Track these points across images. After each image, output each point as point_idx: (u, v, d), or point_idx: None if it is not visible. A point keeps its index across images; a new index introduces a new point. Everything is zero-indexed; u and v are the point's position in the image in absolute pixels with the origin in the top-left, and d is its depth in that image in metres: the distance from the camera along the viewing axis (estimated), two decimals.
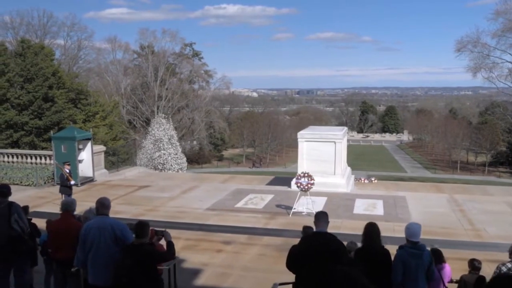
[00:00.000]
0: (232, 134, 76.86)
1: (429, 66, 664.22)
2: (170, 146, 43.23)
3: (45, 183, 20.05)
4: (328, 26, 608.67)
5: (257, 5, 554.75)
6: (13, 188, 19.79)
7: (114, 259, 5.30)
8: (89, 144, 20.69)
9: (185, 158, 47.01)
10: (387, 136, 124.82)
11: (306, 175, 15.36)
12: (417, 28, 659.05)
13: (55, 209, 12.87)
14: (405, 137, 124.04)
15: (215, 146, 71.63)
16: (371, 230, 5.66)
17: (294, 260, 5.33)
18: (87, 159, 20.65)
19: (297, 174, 15.74)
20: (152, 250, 5.36)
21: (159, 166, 38.29)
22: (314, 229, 5.51)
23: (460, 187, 22.74)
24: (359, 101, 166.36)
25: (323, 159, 18.98)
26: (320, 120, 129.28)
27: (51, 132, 21.47)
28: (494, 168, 73.26)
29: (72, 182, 15.25)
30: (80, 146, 20.13)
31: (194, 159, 62.48)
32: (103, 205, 5.71)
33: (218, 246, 11.97)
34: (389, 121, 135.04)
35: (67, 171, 15.22)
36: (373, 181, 23.01)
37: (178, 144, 45.41)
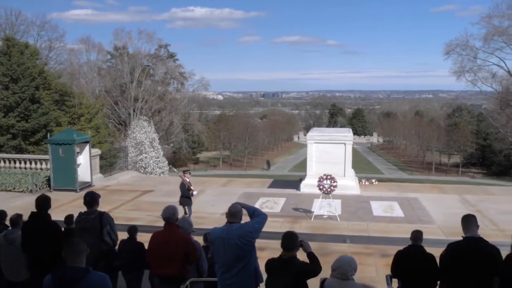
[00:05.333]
0: (208, 136, 76.04)
1: (392, 70, 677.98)
2: (151, 149, 42.29)
3: (40, 188, 18.97)
4: (294, 30, 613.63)
5: (225, 8, 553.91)
6: (7, 194, 18.80)
7: None
8: (87, 147, 19.75)
9: (166, 162, 46.11)
10: (357, 139, 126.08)
11: (329, 177, 14.96)
12: (381, 33, 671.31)
13: (60, 216, 12.08)
14: (375, 139, 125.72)
15: (191, 149, 70.63)
16: None
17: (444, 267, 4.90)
18: (85, 163, 19.68)
19: (319, 176, 15.27)
20: (305, 264, 4.80)
21: (140, 170, 37.25)
22: (463, 234, 5.03)
23: (462, 188, 22.77)
24: (325, 104, 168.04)
25: (333, 161, 18.59)
26: (291, 123, 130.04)
27: (48, 135, 20.32)
28: (466, 169, 75.10)
29: (195, 193, 14.05)
30: (77, 150, 19.15)
31: (171, 162, 61.26)
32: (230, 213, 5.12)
33: None
34: (357, 123, 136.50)
35: (187, 180, 13.86)
36: (374, 183, 22.78)
37: (159, 147, 44.47)
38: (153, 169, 41.45)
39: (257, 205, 16.76)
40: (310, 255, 4.93)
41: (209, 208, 16.16)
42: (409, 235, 13.94)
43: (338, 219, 14.72)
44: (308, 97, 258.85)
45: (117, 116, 54.60)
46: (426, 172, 72.10)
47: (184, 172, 14.35)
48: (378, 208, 16.25)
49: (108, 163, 28.40)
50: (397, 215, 15.49)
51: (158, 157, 43.14)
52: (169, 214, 5.55)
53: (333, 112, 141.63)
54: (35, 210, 5.83)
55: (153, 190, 19.47)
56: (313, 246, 12.22)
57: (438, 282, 5.71)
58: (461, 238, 5.00)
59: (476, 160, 78.19)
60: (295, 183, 21.14)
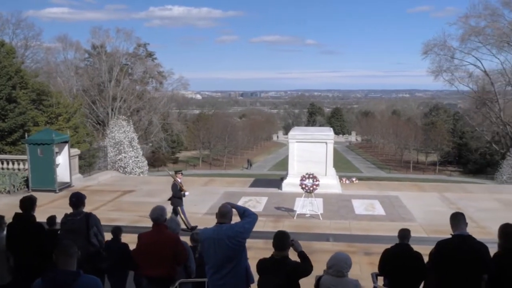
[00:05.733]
0: (187, 136, 75.64)
1: (369, 70, 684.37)
2: (131, 149, 41.86)
3: (18, 189, 18.62)
4: (273, 29, 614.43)
5: (203, 7, 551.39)
6: None
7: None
8: (66, 147, 19.44)
9: (146, 162, 45.69)
10: (335, 138, 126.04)
11: (311, 176, 15.02)
12: (358, 33, 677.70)
13: (39, 217, 11.87)
14: (353, 138, 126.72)
15: (170, 148, 70.19)
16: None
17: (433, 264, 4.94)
18: (64, 163, 19.37)
19: (301, 175, 15.32)
20: (297, 264, 4.78)
21: (120, 170, 36.82)
22: (452, 231, 5.07)
23: (441, 186, 23.13)
24: (303, 103, 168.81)
25: (315, 160, 18.67)
26: (270, 122, 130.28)
27: (26, 135, 19.93)
28: (443, 167, 76.29)
29: (187, 193, 13.86)
30: (56, 150, 18.84)
31: (150, 162, 60.79)
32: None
33: None
34: (335, 122, 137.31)
35: (179, 180, 13.66)
36: (354, 182, 22.95)
37: (138, 147, 44.04)
38: (132, 169, 40.97)
39: (240, 204, 16.74)
40: (301, 254, 4.93)
41: (192, 208, 16.00)
42: (391, 233, 14.11)
43: (321, 218, 14.78)
44: (287, 97, 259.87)
45: (95, 115, 53.94)
46: (404, 171, 73.01)
47: (176, 172, 14.18)
48: (359, 207, 16.36)
49: (87, 163, 28.05)
50: (378, 213, 15.63)
51: (137, 157, 42.65)
52: (157, 215, 5.48)
53: (312, 111, 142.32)
54: (20, 211, 5.69)
55: (134, 190, 19.29)
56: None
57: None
58: (450, 236, 5.04)
59: (452, 158, 79.52)
60: (276, 182, 21.16)
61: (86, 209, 15.40)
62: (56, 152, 18.75)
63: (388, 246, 11.85)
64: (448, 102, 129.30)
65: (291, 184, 18.48)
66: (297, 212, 14.99)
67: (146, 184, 21.30)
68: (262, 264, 4.96)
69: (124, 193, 18.62)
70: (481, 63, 35.75)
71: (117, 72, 55.13)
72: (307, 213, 15.08)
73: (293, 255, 5.09)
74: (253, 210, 15.92)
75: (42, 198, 17.10)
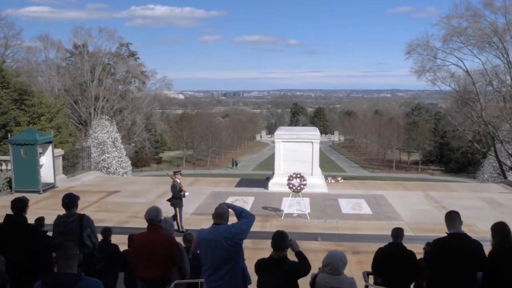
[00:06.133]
0: (170, 136, 75.27)
1: (351, 70, 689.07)
2: (114, 149, 41.50)
3: (0, 190, 18.32)
4: (255, 29, 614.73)
5: (185, 7, 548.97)
6: None
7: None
8: (50, 148, 19.17)
9: (129, 162, 45.33)
10: None
11: (298, 176, 15.05)
12: (341, 33, 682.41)
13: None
14: (336, 138, 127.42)
15: (154, 148, 69.74)
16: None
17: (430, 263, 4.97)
18: (48, 164, 19.11)
19: (289, 175, 15.35)
20: (296, 263, 4.77)
21: (103, 170, 36.48)
22: (447, 230, 5.12)
23: (425, 185, 23.39)
24: (286, 103, 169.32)
25: (301, 159, 18.73)
26: (253, 122, 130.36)
27: (8, 135, 19.62)
28: (426, 166, 77.19)
29: (187, 194, 13.73)
30: (40, 150, 18.57)
31: (133, 162, 60.38)
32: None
33: None
34: (318, 122, 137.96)
35: (178, 181, 13.54)
36: (340, 181, 23.07)
37: (122, 147, 43.67)
38: (116, 169, 40.66)
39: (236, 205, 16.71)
40: (299, 254, 4.92)
41: None
42: (378, 232, 14.26)
43: (308, 217, 14.83)
44: (269, 96, 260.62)
45: (78, 115, 53.29)
46: (387, 170, 73.64)
47: (174, 173, 14.05)
48: (346, 206, 16.46)
49: (70, 164, 27.76)
50: (365, 213, 15.74)
51: (121, 157, 42.36)
52: (152, 216, 5.42)
53: (295, 111, 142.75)
54: (10, 213, 5.58)
55: (119, 191, 19.10)
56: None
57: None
58: (445, 234, 5.09)
59: (434, 157, 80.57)
60: (262, 182, 21.17)
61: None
62: (40, 153, 18.48)
63: (376, 244, 11.95)
64: (429, 102, 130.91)
65: (277, 183, 18.51)
66: (285, 212, 15.02)
67: (131, 185, 21.11)
68: (261, 264, 4.95)
69: (109, 194, 18.44)
70: (463, 63, 36.24)
71: (99, 72, 54.52)
72: (294, 213, 15.12)
73: (290, 255, 5.08)
74: None
75: None
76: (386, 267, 5.98)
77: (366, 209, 16.11)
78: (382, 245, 11.44)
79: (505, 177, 32.68)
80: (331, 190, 19.47)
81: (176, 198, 13.37)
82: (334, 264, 4.74)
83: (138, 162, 64.30)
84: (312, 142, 18.89)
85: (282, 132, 19.80)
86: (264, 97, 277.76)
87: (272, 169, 19.97)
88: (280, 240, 4.83)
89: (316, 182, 18.62)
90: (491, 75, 35.09)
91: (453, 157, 72.50)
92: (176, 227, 12.75)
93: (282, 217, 14.84)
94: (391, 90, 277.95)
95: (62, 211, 6.10)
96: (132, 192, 18.75)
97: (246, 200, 17.21)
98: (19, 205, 5.56)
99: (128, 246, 7.40)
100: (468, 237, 4.99)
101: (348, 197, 17.91)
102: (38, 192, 17.95)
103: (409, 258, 5.97)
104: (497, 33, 33.62)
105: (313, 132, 19.87)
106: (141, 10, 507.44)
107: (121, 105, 55.43)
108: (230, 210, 5.22)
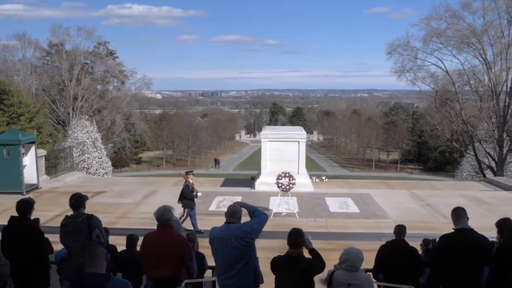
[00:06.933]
0: (150, 136, 74.63)
1: (328, 69, 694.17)
2: (94, 150, 41.01)
3: None
4: (234, 29, 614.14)
5: (163, 6, 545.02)
6: None
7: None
8: (33, 148, 18.86)
9: (110, 162, 44.84)
10: None
11: (287, 175, 15.11)
12: (318, 33, 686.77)
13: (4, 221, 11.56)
14: (315, 137, 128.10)
15: (134, 148, 69.13)
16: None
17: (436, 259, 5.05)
18: (31, 165, 18.77)
19: (277, 174, 15.39)
20: (312, 261, 4.79)
21: (83, 171, 36.03)
22: (454, 226, 5.20)
23: (409, 183, 23.70)
24: (264, 102, 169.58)
25: (287, 159, 18.78)
26: (232, 121, 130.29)
27: None
28: (404, 165, 78.22)
29: (199, 194, 13.55)
30: (23, 151, 18.25)
31: (112, 163, 59.73)
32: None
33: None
34: (297, 122, 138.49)
35: (191, 181, 13.33)
36: (324, 180, 23.22)
37: (102, 147, 43.18)
38: (96, 170, 40.22)
39: (213, 204, 16.70)
40: (312, 251, 4.96)
41: None
42: (367, 230, 14.39)
43: (297, 216, 14.90)
44: (248, 96, 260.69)
45: (56, 115, 52.45)
46: (367, 169, 74.38)
47: (187, 173, 13.89)
48: (333, 205, 16.56)
49: (52, 164, 27.30)
50: (352, 211, 15.87)
51: (101, 158, 41.92)
52: (162, 215, 5.39)
53: (274, 110, 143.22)
54: (15, 214, 5.47)
55: (105, 191, 18.89)
56: (277, 243, 12.42)
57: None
58: (452, 231, 5.18)
59: (413, 156, 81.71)
60: (247, 182, 21.20)
61: (57, 211, 15.00)
62: (23, 153, 18.17)
63: (366, 242, 12.11)
64: (405, 102, 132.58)
65: (264, 183, 18.56)
66: (273, 211, 15.04)
67: (115, 185, 20.91)
68: (277, 262, 4.97)
69: (95, 194, 18.21)
70: (443, 63, 36.83)
71: (78, 71, 53.75)
72: (283, 212, 15.18)
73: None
74: None
75: (8, 200, 16.55)
76: (389, 264, 6.06)
77: (353, 208, 16.25)
78: (372, 243, 11.62)
79: (484, 176, 33.35)
80: (317, 189, 19.57)
81: (188, 199, 13.24)
82: (352, 261, 4.79)
83: (118, 162, 63.66)
84: (298, 142, 18.97)
85: (268, 132, 19.86)
86: (242, 97, 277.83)
87: (254, 168, 20.03)
88: (297, 237, 4.86)
89: (303, 181, 18.69)
90: (469, 75, 35.78)
91: (431, 156, 73.61)
92: (191, 228, 12.71)
93: (271, 216, 14.83)
94: (368, 90, 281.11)
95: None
96: (117, 193, 18.56)
97: (233, 200, 17.13)
98: (25, 207, 5.47)
99: (127, 246, 7.34)
100: (475, 232, 5.09)
101: (335, 196, 18.03)
102: (21, 193, 17.60)
103: (412, 255, 6.06)
104: (475, 34, 34.28)
105: (299, 132, 19.96)
106: (118, 9, 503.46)
107: (100, 105, 54.76)
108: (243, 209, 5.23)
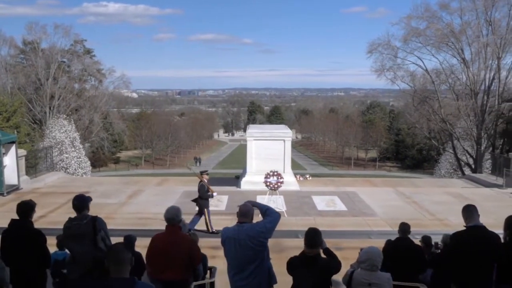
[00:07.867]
0: (128, 135, 73.81)
1: (305, 68, 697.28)
2: (73, 149, 40.38)
3: None
4: (210, 28, 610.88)
5: (139, 4, 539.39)
6: None
7: None
8: (13, 148, 18.42)
9: (89, 162, 44.22)
10: None
11: (275, 173, 15.08)
12: (295, 32, 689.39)
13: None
14: (293, 136, 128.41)
15: (112, 148, 68.23)
16: None
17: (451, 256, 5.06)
18: (11, 165, 18.33)
19: (266, 173, 15.34)
20: (329, 261, 4.73)
21: (61, 171, 35.40)
22: (465, 223, 5.20)
23: (393, 181, 23.94)
24: (242, 101, 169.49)
25: (273, 157, 18.79)
26: (210, 120, 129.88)
27: None
28: (383, 163, 79.03)
29: (215, 194, 13.30)
30: (3, 151, 17.79)
31: (91, 162, 58.91)
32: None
33: (211, 252, 11.17)
34: (275, 121, 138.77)
35: (206, 181, 13.06)
36: (308, 178, 23.26)
37: (81, 146, 42.53)
38: (75, 169, 39.60)
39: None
40: (327, 251, 4.91)
41: (153, 208, 15.68)
42: (356, 228, 14.43)
43: (286, 215, 14.85)
44: (225, 95, 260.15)
45: (32, 114, 51.41)
46: (346, 167, 74.93)
47: (201, 173, 13.64)
48: (320, 203, 16.60)
49: (31, 165, 26.68)
50: (340, 209, 15.92)
51: (80, 157, 41.33)
52: (172, 215, 5.27)
53: (252, 109, 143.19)
54: (16, 217, 5.27)
55: (88, 192, 18.53)
56: (269, 242, 12.31)
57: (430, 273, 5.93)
58: (464, 228, 5.18)
59: (391, 154, 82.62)
60: (231, 181, 21.11)
61: (41, 212, 14.66)
62: (3, 153, 17.73)
63: (356, 240, 12.14)
64: (382, 101, 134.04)
65: (250, 182, 18.51)
66: None
67: (99, 185, 20.60)
68: (293, 263, 4.90)
69: None
70: (423, 62, 37.26)
71: (54, 70, 52.75)
72: None
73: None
74: (216, 209, 15.81)
75: None
76: (395, 261, 6.06)
77: (340, 206, 16.30)
78: (362, 241, 11.64)
79: (463, 173, 33.86)
80: (302, 187, 19.60)
81: (203, 199, 13.05)
82: (372, 260, 4.76)
83: (96, 162, 62.82)
84: (284, 140, 18.99)
85: (254, 130, 19.79)
86: (219, 95, 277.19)
87: (234, 167, 19.98)
88: (315, 237, 4.82)
89: (288, 180, 18.65)
90: (447, 74, 36.29)
91: (409, 154, 74.60)
92: (205, 229, 12.70)
93: (260, 215, 14.80)
94: (345, 89, 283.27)
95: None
96: (102, 193, 18.25)
97: (220, 199, 17.07)
98: (25, 209, 5.27)
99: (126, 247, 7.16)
100: (486, 229, 5.11)
101: (321, 194, 18.08)
102: (1, 194, 17.25)
103: (417, 252, 6.07)
104: (454, 33, 34.76)
105: (285, 130, 19.97)
106: (94, 7, 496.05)
107: (77, 104, 53.87)
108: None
